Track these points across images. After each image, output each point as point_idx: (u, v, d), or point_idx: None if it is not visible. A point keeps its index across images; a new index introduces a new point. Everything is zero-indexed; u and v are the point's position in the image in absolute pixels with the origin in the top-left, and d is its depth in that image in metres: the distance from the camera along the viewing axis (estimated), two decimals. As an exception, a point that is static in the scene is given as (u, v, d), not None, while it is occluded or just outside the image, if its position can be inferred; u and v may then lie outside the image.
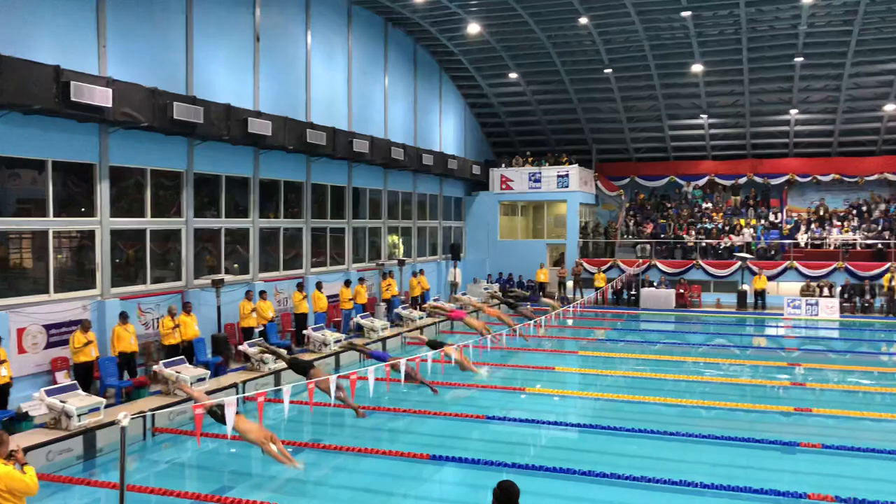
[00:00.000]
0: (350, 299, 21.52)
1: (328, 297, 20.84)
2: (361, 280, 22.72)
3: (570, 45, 28.99)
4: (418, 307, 24.32)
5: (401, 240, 27.96)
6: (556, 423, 13.29)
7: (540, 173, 32.97)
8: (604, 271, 30.90)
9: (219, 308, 17.17)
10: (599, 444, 12.13)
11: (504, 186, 33.44)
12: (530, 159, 34.10)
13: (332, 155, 21.72)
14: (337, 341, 18.38)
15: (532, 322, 20.38)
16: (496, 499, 4.78)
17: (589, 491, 9.92)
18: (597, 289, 29.70)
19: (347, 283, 21.76)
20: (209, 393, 13.39)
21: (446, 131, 31.65)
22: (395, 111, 27.19)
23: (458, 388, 15.56)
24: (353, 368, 12.76)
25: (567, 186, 32.56)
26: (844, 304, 27.47)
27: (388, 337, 20.62)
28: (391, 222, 27.05)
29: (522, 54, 29.85)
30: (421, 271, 26.64)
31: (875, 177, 32.60)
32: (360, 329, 20.67)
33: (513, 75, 31.12)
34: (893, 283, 26.64)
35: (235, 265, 19.28)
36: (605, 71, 30.06)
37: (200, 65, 17.61)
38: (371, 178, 25.40)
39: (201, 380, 13.96)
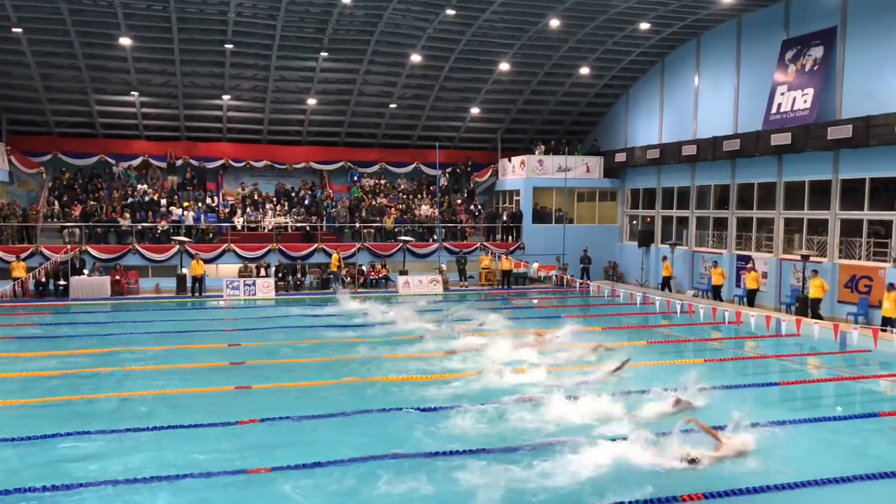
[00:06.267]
0: None
1: None
2: None
3: (-34, -8, 24.13)
4: None
5: None
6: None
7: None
8: (23, 259, 26.84)
9: None
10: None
11: None
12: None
13: None
14: None
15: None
16: None
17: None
18: (15, 280, 25.66)
19: None
20: None
21: None
22: None
23: None
24: None
25: (-31, 161, 27.25)
26: (279, 283, 29.10)
27: None
28: None
29: None
30: None
31: (302, 164, 35.56)
32: None
33: None
34: (340, 263, 29.50)
35: None
36: (15, 30, 25.88)
37: None
38: None
39: None
